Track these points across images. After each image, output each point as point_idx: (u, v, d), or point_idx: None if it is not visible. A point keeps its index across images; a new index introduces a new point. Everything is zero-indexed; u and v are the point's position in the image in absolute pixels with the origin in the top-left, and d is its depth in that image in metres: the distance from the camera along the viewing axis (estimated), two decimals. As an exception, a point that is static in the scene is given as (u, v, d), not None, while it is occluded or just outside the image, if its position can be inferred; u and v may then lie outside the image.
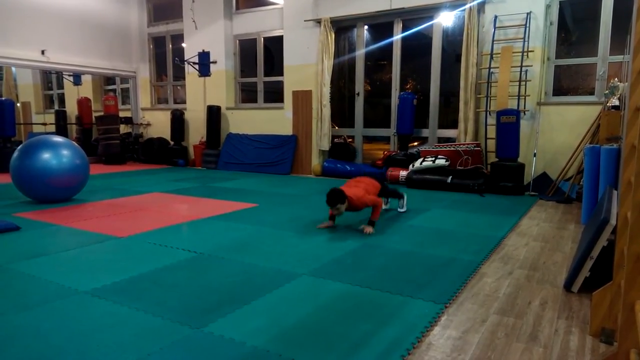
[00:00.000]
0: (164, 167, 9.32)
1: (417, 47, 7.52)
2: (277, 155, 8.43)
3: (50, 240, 3.67)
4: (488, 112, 6.47)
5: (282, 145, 8.46)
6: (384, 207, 4.62)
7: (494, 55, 6.41)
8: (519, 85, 6.17)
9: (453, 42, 7.19)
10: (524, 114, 6.25)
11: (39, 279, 2.73)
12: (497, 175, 6.00)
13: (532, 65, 6.20)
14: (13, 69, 13.22)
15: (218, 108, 9.05)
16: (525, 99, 6.22)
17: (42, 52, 8.67)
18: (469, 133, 6.64)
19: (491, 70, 6.45)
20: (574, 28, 6.72)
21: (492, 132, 6.35)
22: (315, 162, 8.18)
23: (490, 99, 6.47)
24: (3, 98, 9.30)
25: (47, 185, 4.92)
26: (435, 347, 1.95)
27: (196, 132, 9.68)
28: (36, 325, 2.11)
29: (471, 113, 6.60)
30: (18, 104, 12.77)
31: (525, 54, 6.16)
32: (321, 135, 7.97)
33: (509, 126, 5.90)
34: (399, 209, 4.70)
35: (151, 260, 3.08)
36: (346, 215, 4.14)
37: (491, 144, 6.46)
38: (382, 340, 1.98)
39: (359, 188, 3.93)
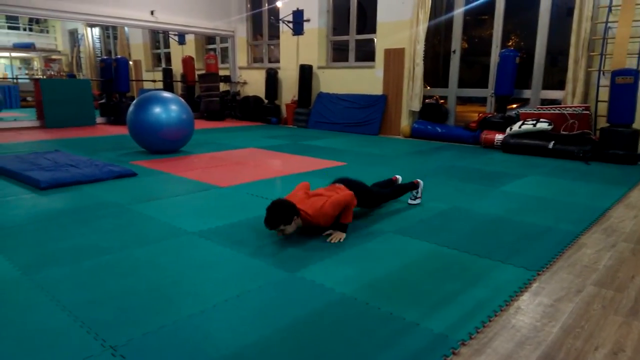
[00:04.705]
0: (258, 125, 9.74)
1: (522, 0, 6.91)
2: (366, 116, 8.40)
3: (162, 186, 4.09)
4: (601, 72, 5.85)
5: (371, 105, 8.39)
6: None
7: (612, 8, 5.70)
8: (643, 42, 5.48)
9: (566, -7, 6.50)
10: (646, 74, 5.57)
11: (154, 219, 3.09)
12: (606, 141, 5.49)
13: (661, 18, 5.45)
14: (126, 28, 14.38)
15: (310, 67, 9.15)
16: (649, 57, 5.52)
17: (152, 13, 9.31)
18: (577, 95, 6.08)
19: (608, 24, 5.76)
20: None
21: (604, 94, 5.77)
22: (405, 123, 8.04)
23: (605, 57, 5.83)
24: (118, 56, 10.19)
25: (158, 137, 5.42)
26: (524, 311, 1.93)
27: (288, 91, 9.92)
28: (153, 259, 2.42)
29: (582, 73, 6.01)
30: (130, 62, 13.95)
31: (654, 4, 5.41)
32: (412, 95, 7.77)
33: (625, 88, 5.33)
34: (409, 201, 3.54)
35: (249, 209, 3.33)
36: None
37: (602, 108, 5.88)
38: (468, 300, 2.00)
39: (323, 196, 2.79)
